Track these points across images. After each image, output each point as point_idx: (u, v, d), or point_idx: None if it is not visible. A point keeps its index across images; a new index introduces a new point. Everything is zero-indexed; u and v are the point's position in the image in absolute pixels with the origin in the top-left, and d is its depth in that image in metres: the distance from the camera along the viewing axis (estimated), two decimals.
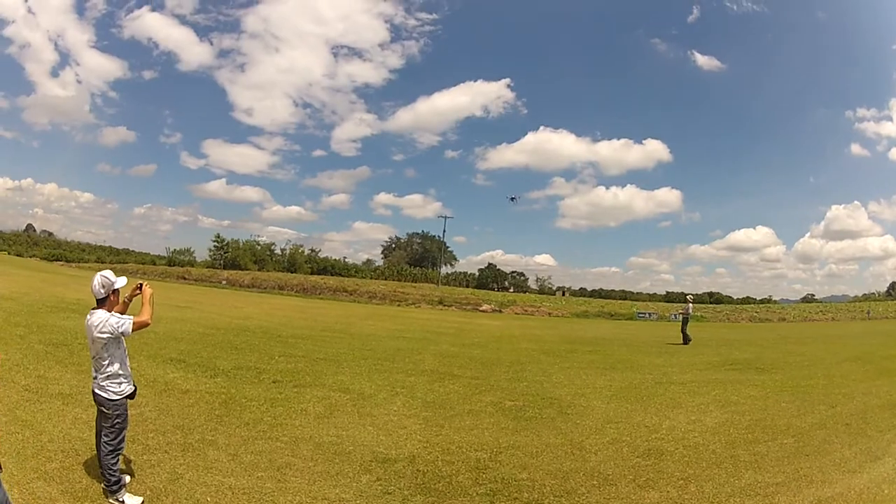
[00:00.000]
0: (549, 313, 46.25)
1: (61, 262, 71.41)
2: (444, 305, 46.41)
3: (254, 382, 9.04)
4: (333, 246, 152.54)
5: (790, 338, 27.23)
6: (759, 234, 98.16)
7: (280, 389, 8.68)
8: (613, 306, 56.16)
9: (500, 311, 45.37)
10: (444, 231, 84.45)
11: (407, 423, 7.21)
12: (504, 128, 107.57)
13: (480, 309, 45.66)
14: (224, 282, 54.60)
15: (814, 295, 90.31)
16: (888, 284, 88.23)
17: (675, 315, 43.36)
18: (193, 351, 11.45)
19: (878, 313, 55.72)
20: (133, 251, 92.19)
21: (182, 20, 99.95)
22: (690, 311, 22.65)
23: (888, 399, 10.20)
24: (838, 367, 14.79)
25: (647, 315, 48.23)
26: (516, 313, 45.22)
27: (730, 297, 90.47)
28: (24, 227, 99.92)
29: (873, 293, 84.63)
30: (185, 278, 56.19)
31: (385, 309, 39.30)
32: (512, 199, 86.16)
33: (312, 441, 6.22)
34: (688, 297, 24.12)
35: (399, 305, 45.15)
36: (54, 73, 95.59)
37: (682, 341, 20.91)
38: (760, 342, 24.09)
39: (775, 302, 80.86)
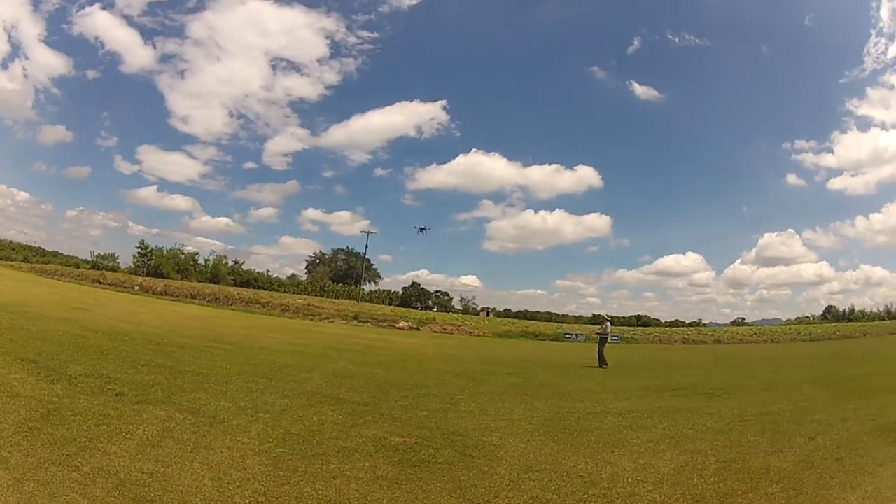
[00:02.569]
0: (470, 332, 44.98)
1: None
2: (360, 321, 44.33)
3: (95, 393, 7.60)
4: (260, 259, 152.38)
5: (733, 359, 26.93)
6: (688, 260, 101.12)
7: (119, 404, 7.17)
8: (538, 327, 55.47)
9: (418, 329, 43.89)
10: (367, 247, 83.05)
11: (249, 464, 5.47)
12: (436, 149, 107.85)
13: (397, 326, 44.04)
14: (137, 287, 51.57)
15: (744, 319, 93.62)
16: (823, 308, 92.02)
17: (573, 335, 42.38)
18: (53, 353, 10.11)
19: (818, 335, 56.88)
20: (61, 254, 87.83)
21: (129, 21, 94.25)
22: (609, 330, 21.33)
23: (873, 424, 8.84)
24: (799, 390, 13.46)
25: (574, 336, 47.51)
26: (434, 331, 43.94)
27: (658, 319, 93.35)
28: None
29: (807, 316, 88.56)
30: (99, 282, 52.57)
31: (295, 323, 37.46)
32: (421, 229, 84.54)
33: (116, 477, 4.76)
34: (605, 315, 22.81)
35: (312, 320, 43.03)
36: (4, 66, 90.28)
37: (597, 364, 19.37)
38: (702, 364, 23.59)
39: (705, 325, 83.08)
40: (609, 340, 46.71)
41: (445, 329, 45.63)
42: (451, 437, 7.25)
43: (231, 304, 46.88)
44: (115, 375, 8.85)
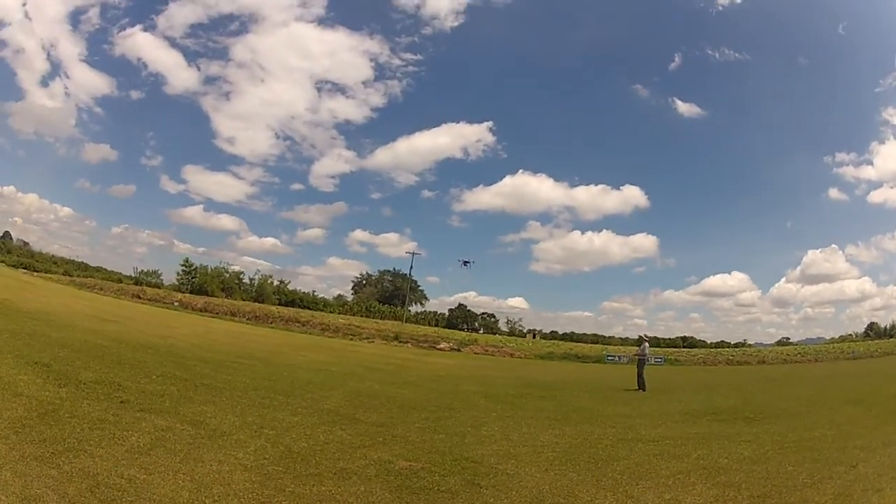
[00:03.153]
0: (512, 354, 43.94)
1: (25, 270, 68.26)
2: (400, 342, 43.91)
3: (99, 399, 7.58)
4: (307, 280, 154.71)
5: (776, 380, 25.84)
6: (734, 280, 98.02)
7: (120, 411, 7.11)
8: (582, 349, 54.19)
9: (459, 350, 43.05)
10: (412, 267, 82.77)
11: (236, 479, 5.19)
12: (482, 170, 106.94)
13: (438, 347, 43.34)
14: (177, 303, 52.08)
15: (789, 338, 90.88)
16: (865, 325, 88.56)
17: (616, 357, 40.89)
18: (68, 359, 10.11)
19: (860, 353, 54.56)
20: (105, 269, 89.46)
21: (172, 43, 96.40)
22: (647, 351, 20.37)
23: None
24: (841, 411, 12.69)
25: (618, 358, 45.99)
26: (475, 353, 43.06)
27: (703, 341, 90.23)
28: (1, 234, 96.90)
29: (850, 334, 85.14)
30: (139, 297, 53.35)
31: (332, 341, 37.14)
32: (465, 262, 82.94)
33: (94, 479, 4.69)
34: (643, 336, 21.90)
35: (352, 339, 42.64)
36: (44, 83, 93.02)
37: (636, 387, 18.51)
38: (744, 386, 22.50)
39: (750, 345, 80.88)
40: (652, 362, 45.37)
41: (486, 350, 44.83)
42: (463, 462, 6.79)
43: (270, 323, 46.96)
44: (125, 384, 8.82)
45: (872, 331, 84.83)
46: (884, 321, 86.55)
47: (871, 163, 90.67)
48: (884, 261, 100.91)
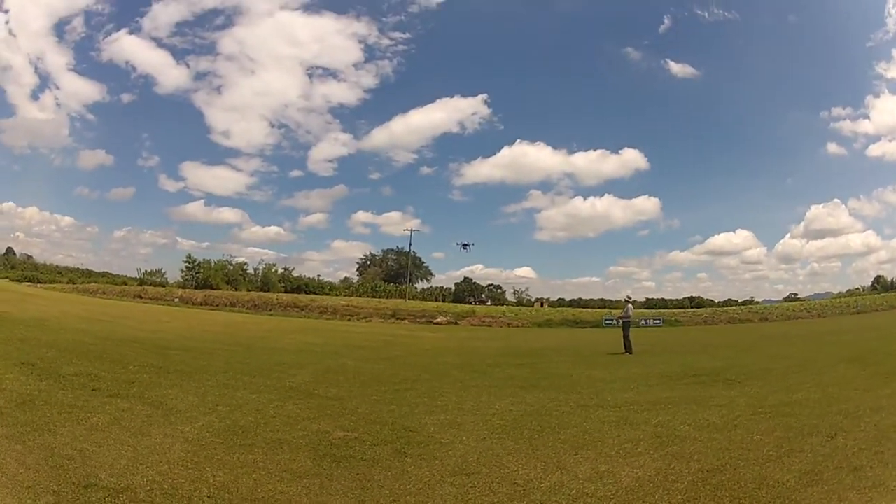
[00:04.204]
0: (509, 324, 44.64)
1: (29, 283, 69.56)
2: (398, 319, 44.72)
3: (74, 388, 8.19)
4: (313, 265, 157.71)
5: (774, 337, 25.60)
6: (739, 238, 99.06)
7: (90, 397, 7.75)
8: (582, 314, 54.28)
9: (457, 324, 43.74)
10: (411, 245, 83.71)
11: (174, 450, 5.74)
12: (480, 143, 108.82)
13: (435, 321, 44.10)
14: (177, 299, 53.23)
15: (797, 294, 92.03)
16: (872, 279, 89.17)
17: (613, 320, 40.78)
18: (53, 357, 10.66)
19: (865, 307, 54.84)
20: (110, 273, 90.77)
21: (159, 43, 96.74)
22: (630, 313, 20.28)
23: None
24: (833, 371, 12.24)
25: (615, 321, 45.73)
26: (473, 324, 43.98)
27: (711, 300, 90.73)
28: (4, 251, 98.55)
29: (857, 288, 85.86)
30: (140, 297, 54.46)
31: (327, 323, 37.80)
32: (463, 246, 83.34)
33: (51, 451, 5.36)
34: (626, 298, 21.75)
35: (350, 320, 43.39)
36: (34, 96, 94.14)
37: (623, 350, 18.62)
38: (738, 345, 22.39)
39: (758, 303, 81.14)
40: (648, 324, 45.32)
41: (484, 322, 45.48)
42: (401, 432, 6.92)
43: (269, 310, 47.76)
44: (101, 375, 9.36)
45: (879, 284, 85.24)
46: (890, 274, 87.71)
47: (867, 117, 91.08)
48: (887, 214, 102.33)
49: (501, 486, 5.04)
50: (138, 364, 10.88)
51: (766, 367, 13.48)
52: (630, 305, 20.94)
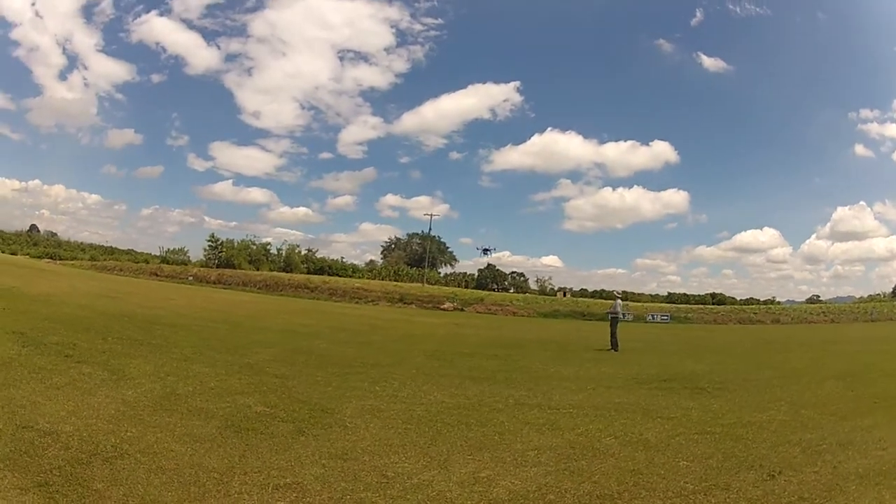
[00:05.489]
0: (514, 312, 44.82)
1: (49, 259, 71.88)
2: (405, 303, 45.12)
3: (50, 355, 9.15)
4: (340, 247, 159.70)
5: (773, 343, 25.02)
6: (765, 236, 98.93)
7: (60, 363, 8.70)
8: (591, 306, 53.84)
9: (462, 310, 44.29)
10: (430, 229, 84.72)
11: (107, 409, 6.55)
12: (511, 130, 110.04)
13: (441, 307, 44.76)
14: (191, 278, 54.67)
15: (819, 296, 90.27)
16: (894, 285, 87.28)
17: (622, 314, 40.20)
18: (45, 328, 11.66)
19: (882, 315, 53.32)
20: (135, 251, 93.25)
21: (189, 25, 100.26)
22: (618, 309, 20.17)
23: (877, 460, 6.06)
24: (817, 388, 11.15)
25: (622, 315, 45.55)
26: (478, 311, 44.54)
27: (733, 297, 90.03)
28: (28, 228, 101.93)
29: (878, 294, 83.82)
30: (156, 275, 56.34)
31: (328, 305, 38.39)
32: (485, 251, 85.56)
33: (9, 401, 6.31)
34: (615, 293, 21.73)
35: (357, 303, 44.15)
36: (62, 77, 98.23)
37: (609, 346, 18.23)
38: (731, 348, 22.00)
39: (779, 303, 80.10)
40: (655, 320, 44.87)
41: (489, 309, 45.98)
42: (317, 413, 7.17)
43: (280, 291, 48.87)
44: (79, 344, 10.37)
45: None
46: None
47: (893, 120, 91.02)
48: None
49: (368, 476, 5.00)
50: (118, 336, 11.84)
51: (746, 377, 12.63)
52: (619, 301, 20.95)
